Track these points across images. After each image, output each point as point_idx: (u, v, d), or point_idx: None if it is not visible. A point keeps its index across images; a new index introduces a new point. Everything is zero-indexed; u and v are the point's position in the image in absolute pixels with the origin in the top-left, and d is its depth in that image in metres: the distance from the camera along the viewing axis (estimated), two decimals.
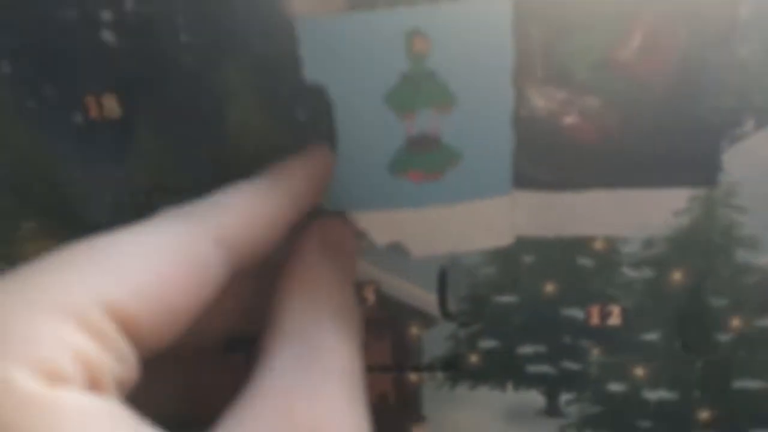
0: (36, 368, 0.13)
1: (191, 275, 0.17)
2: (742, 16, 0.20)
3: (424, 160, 0.22)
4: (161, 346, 0.16)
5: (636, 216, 0.23)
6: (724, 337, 0.24)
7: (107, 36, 0.22)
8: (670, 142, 0.22)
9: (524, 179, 0.23)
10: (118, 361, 0.15)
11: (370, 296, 0.25)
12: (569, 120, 0.22)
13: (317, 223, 0.22)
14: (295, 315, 0.19)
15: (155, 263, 0.16)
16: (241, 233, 0.18)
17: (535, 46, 0.21)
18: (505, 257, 0.24)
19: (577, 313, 0.25)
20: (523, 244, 0.24)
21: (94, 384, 0.14)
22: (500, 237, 0.23)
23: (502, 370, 0.26)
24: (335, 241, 0.22)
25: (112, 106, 0.23)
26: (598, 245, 0.24)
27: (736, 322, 0.24)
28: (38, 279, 0.15)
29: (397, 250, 0.24)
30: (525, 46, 0.21)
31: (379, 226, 0.23)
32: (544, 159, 0.23)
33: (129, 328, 0.15)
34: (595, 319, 0.25)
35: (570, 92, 0.22)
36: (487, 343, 0.26)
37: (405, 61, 0.20)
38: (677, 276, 0.24)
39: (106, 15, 0.22)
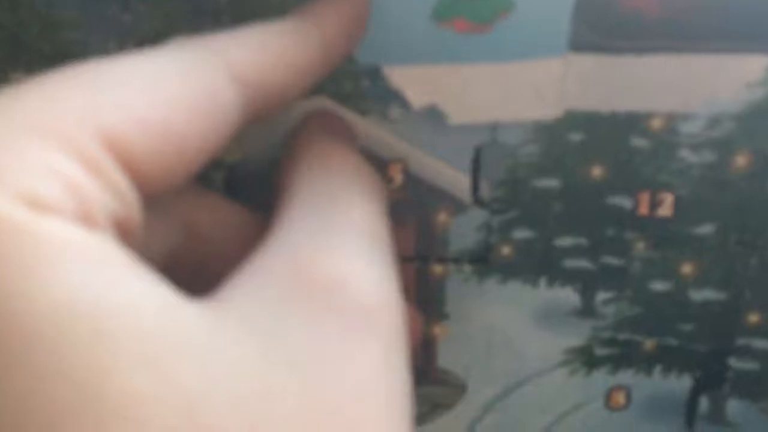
0: (17, 193, 0.11)
1: (201, 106, 0.15)
2: None
3: (474, 7, 0.19)
4: (167, 186, 0.14)
5: (703, 87, 0.20)
6: None
7: None
8: (744, 3, 0.20)
9: (579, 41, 0.20)
10: (115, 197, 0.13)
11: (397, 176, 0.23)
12: None
13: (313, 113, 0.21)
14: (309, 179, 0.17)
15: (160, 89, 0.14)
16: (260, 70, 0.16)
17: None
18: (550, 134, 0.22)
19: (624, 201, 0.23)
20: (571, 119, 0.21)
21: (86, 218, 0.12)
22: (549, 106, 0.21)
23: (535, 264, 0.24)
24: (335, 124, 0.20)
25: None
26: (656, 123, 0.21)
27: None
28: (20, 101, 0.13)
29: (433, 114, 0.21)
30: None
31: (416, 84, 0.21)
32: (603, 19, 0.20)
33: (128, 161, 0.13)
34: (643, 209, 0.22)
35: None
36: (521, 233, 0.23)
37: None
38: (741, 160, 0.21)
39: None
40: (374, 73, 0.21)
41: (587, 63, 0.21)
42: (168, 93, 0.14)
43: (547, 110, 0.21)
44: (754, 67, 0.20)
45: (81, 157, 0.12)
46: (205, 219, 0.18)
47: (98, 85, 0.13)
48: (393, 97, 0.21)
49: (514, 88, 0.21)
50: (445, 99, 0.21)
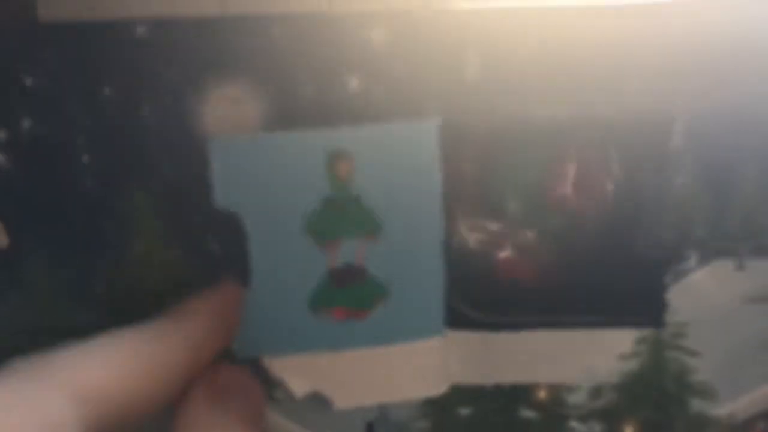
0: None
1: None
2: (674, 147, 0.20)
3: (350, 295, 0.20)
4: None
5: (580, 360, 0.21)
6: None
7: None
8: (611, 279, 0.21)
9: (457, 319, 0.21)
10: None
11: None
12: (504, 254, 0.21)
13: (209, 369, 0.19)
14: None
15: None
16: (108, 386, 0.16)
17: (466, 175, 0.20)
18: (439, 409, 0.22)
19: None
20: (458, 393, 0.21)
21: None
22: (433, 385, 0.21)
23: None
24: (230, 388, 0.19)
25: None
26: (542, 394, 0.21)
27: None
28: None
29: (317, 401, 0.21)
30: (455, 174, 0.20)
31: (297, 373, 0.20)
32: (479, 296, 0.21)
33: None
34: None
35: (503, 225, 0.21)
36: None
37: (327, 184, 0.19)
38: (630, 430, 0.21)
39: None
40: (254, 365, 0.20)
41: (467, 340, 0.21)
42: None
43: (432, 389, 0.21)
44: (624, 340, 0.21)
45: None
46: None
47: None
48: (276, 384, 0.21)
49: (396, 370, 0.20)
50: (328, 386, 0.20)
